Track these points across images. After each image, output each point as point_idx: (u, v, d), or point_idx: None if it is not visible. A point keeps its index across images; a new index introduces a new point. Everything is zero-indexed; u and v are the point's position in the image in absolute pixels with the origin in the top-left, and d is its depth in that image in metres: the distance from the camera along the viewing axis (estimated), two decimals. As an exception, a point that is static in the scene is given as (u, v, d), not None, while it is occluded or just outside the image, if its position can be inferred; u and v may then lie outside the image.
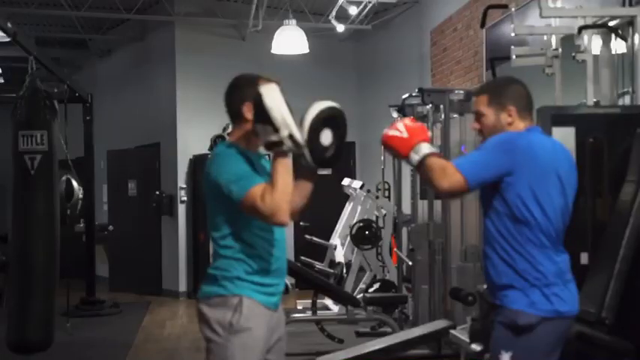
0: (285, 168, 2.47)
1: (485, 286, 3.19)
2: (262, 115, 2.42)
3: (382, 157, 8.23)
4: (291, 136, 2.41)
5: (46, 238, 5.29)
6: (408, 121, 2.66)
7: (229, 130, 2.89)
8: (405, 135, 2.59)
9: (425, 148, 2.57)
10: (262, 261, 2.64)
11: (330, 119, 2.56)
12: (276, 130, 2.40)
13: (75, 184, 7.89)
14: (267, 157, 2.73)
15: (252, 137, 2.63)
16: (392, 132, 2.62)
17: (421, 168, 2.57)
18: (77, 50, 11.77)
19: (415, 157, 2.57)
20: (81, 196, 8.05)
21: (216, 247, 2.66)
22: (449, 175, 2.50)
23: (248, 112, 2.61)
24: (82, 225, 8.97)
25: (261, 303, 2.61)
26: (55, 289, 5.40)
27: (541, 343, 2.51)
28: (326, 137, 2.55)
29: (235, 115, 2.71)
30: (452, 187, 2.51)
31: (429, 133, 2.69)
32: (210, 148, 9.63)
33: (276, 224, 2.52)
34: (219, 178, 2.54)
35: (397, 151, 2.63)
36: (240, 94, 2.69)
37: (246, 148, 2.65)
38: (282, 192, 2.44)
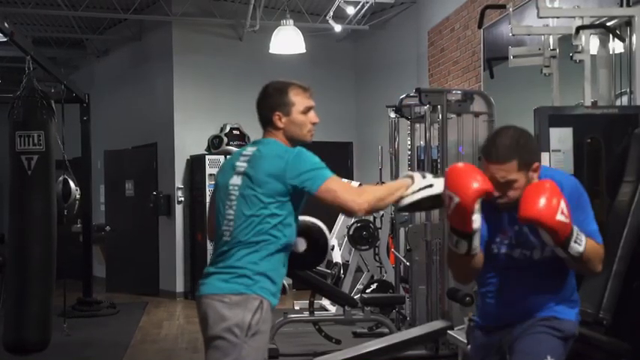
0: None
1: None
2: None
3: (379, 158, 8.23)
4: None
5: (43, 238, 5.29)
6: (559, 192, 2.41)
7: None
8: (567, 220, 2.38)
9: (582, 236, 2.44)
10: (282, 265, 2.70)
11: (303, 231, 2.85)
12: None
13: (72, 184, 7.86)
14: None
15: (287, 142, 2.75)
16: (560, 217, 2.36)
17: (581, 256, 2.46)
18: (74, 50, 11.76)
19: (579, 249, 2.43)
20: (78, 196, 8.02)
21: (246, 243, 2.63)
22: (601, 254, 2.55)
23: (279, 121, 2.73)
24: (79, 225, 8.96)
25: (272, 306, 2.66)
26: (52, 290, 5.39)
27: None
28: (301, 245, 2.86)
29: (267, 122, 2.80)
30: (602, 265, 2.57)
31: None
32: (208, 149, 9.63)
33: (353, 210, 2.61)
34: (292, 171, 2.61)
35: (557, 236, 2.40)
36: (271, 103, 2.76)
37: None
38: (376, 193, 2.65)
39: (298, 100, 2.75)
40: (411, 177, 2.67)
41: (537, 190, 2.40)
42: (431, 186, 2.64)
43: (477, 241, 2.46)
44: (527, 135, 2.56)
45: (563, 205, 2.37)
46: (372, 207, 2.60)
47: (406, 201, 2.65)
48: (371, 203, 2.58)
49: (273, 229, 2.63)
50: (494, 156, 2.48)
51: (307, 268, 2.74)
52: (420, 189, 2.64)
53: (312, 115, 2.78)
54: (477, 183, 2.39)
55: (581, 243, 2.42)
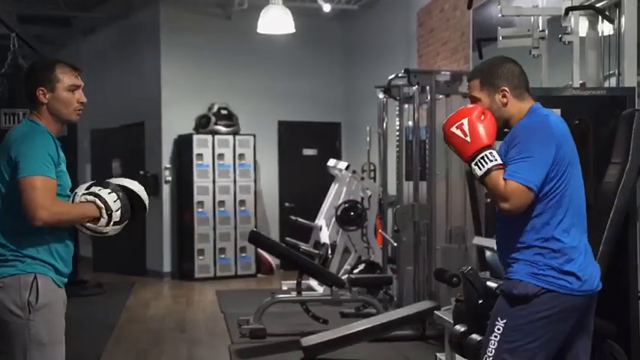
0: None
1: (469, 267, 3.20)
2: None
3: (368, 138, 8.22)
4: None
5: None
6: (475, 115, 2.60)
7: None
8: (468, 139, 2.56)
9: (488, 161, 2.52)
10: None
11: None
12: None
13: (58, 163, 7.83)
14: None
15: (52, 120, 2.75)
16: (455, 129, 2.59)
17: (483, 181, 2.55)
18: (61, 28, 11.63)
19: (478, 172, 2.54)
20: (64, 175, 7.99)
21: None
22: (505, 193, 2.48)
23: (42, 96, 2.72)
24: (65, 205, 8.91)
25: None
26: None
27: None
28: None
29: (30, 99, 2.77)
30: (516, 205, 2.49)
31: (493, 128, 2.61)
32: (195, 128, 9.60)
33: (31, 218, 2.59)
34: (15, 147, 2.64)
35: (458, 153, 2.62)
36: (35, 78, 2.75)
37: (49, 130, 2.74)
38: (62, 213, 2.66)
39: (64, 78, 2.75)
40: (94, 201, 2.72)
41: (460, 108, 2.65)
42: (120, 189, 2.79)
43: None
44: (503, 62, 2.71)
45: (465, 122, 2.57)
46: (51, 221, 2.61)
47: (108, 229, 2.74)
48: (53, 217, 2.60)
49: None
50: (468, 76, 2.79)
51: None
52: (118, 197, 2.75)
53: (79, 94, 2.78)
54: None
55: (482, 168, 2.52)
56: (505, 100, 2.65)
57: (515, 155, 2.52)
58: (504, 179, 2.49)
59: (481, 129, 2.56)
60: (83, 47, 11.68)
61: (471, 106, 2.66)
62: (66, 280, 2.81)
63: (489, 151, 2.54)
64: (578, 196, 2.64)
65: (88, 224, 2.70)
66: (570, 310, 2.56)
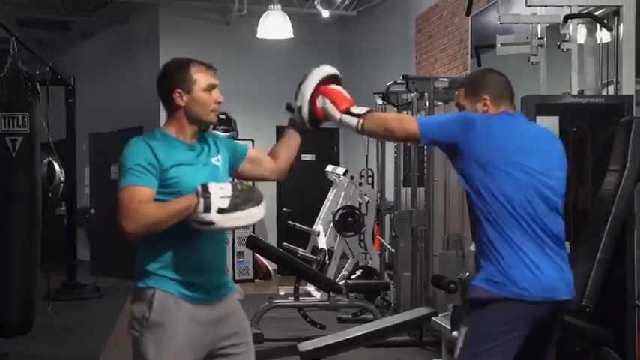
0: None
1: (466, 274, 3.21)
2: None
3: (366, 144, 8.23)
4: (300, 109, 2.72)
5: (27, 221, 5.26)
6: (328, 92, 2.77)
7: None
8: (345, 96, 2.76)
9: (357, 110, 2.73)
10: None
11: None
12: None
13: (57, 167, 7.83)
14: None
15: (188, 123, 2.59)
16: (320, 103, 2.75)
17: (368, 119, 2.71)
18: (59, 32, 11.64)
19: (359, 110, 2.72)
20: (63, 179, 7.98)
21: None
22: (406, 122, 2.73)
23: (179, 99, 2.57)
24: (63, 208, 8.90)
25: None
26: (36, 272, 5.37)
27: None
28: (320, 102, 2.74)
29: (167, 102, 2.63)
30: (407, 134, 2.72)
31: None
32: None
33: (122, 228, 2.42)
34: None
35: (335, 104, 2.73)
36: (171, 80, 2.60)
37: (175, 136, 2.60)
38: (149, 216, 2.44)
39: (200, 77, 2.57)
40: (197, 192, 2.40)
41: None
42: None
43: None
44: (486, 73, 2.84)
45: (325, 100, 2.74)
46: (141, 232, 2.43)
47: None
48: (141, 228, 2.42)
49: None
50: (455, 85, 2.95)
51: (319, 127, 2.91)
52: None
53: (215, 94, 2.60)
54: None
55: (355, 116, 2.72)
56: (486, 107, 2.73)
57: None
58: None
59: (338, 96, 2.75)
60: (82, 51, 11.69)
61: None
62: (199, 294, 2.53)
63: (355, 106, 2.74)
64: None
65: (193, 216, 2.41)
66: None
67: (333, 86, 2.77)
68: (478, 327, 2.54)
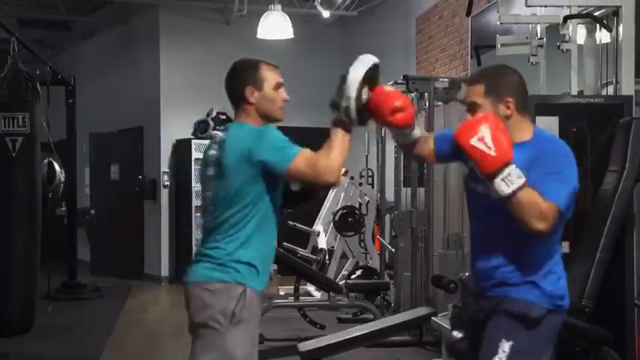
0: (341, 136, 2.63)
1: (466, 274, 3.21)
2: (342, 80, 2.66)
3: (366, 144, 8.23)
4: (347, 108, 2.60)
5: (28, 221, 5.26)
6: (496, 126, 2.35)
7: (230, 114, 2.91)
8: (493, 153, 2.31)
9: (516, 177, 2.30)
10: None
11: (370, 78, 2.71)
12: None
13: (57, 167, 7.83)
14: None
15: (259, 119, 2.69)
16: (476, 142, 2.33)
17: (510, 200, 2.32)
18: (60, 32, 11.64)
19: (505, 190, 2.30)
20: (63, 179, 7.99)
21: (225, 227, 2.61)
22: (545, 213, 2.31)
23: (251, 96, 2.67)
24: (63, 208, 8.91)
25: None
26: (36, 272, 5.37)
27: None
28: (365, 94, 2.68)
29: (239, 99, 2.71)
30: (550, 226, 2.34)
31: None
32: (194, 133, 9.59)
33: (327, 183, 2.59)
34: (258, 153, 2.54)
35: (479, 167, 2.35)
36: (242, 78, 2.70)
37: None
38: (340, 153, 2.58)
39: (270, 76, 2.70)
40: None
41: (473, 119, 2.45)
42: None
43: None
44: (510, 73, 2.55)
45: (486, 133, 2.32)
46: (339, 170, 2.59)
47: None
48: (338, 168, 2.56)
49: (248, 212, 2.59)
50: (468, 79, 2.65)
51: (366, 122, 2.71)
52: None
53: (282, 92, 2.73)
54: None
55: (510, 185, 2.29)
56: (509, 112, 2.47)
57: (551, 176, 2.37)
58: (545, 200, 2.32)
59: (504, 141, 2.32)
60: (82, 51, 11.69)
61: (483, 114, 2.43)
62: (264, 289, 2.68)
63: (514, 166, 2.31)
64: None
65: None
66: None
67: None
68: (529, 343, 2.44)
